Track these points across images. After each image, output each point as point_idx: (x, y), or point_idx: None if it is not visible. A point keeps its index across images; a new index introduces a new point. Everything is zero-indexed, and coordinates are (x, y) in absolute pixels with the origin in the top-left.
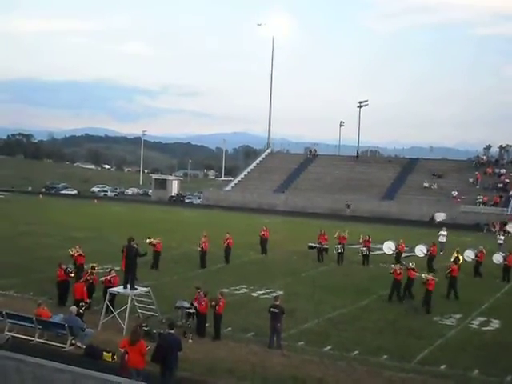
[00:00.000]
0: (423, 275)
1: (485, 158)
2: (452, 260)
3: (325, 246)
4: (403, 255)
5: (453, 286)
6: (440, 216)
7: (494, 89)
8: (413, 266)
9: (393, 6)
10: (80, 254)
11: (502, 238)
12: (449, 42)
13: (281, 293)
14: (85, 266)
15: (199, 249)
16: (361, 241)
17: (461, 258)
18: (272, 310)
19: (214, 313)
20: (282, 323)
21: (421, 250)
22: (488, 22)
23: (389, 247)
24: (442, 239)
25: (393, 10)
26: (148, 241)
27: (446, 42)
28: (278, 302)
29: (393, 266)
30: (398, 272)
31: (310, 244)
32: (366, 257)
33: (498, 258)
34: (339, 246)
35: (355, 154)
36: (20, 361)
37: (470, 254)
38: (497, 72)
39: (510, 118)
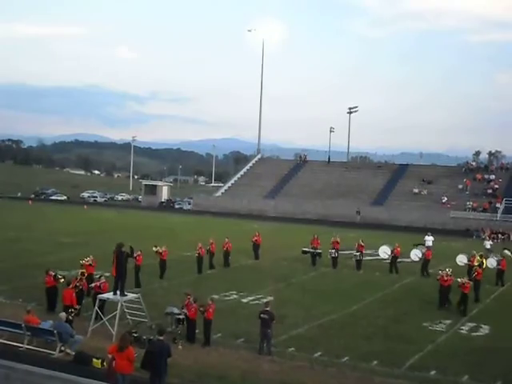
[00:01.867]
0: (459, 279)
1: (474, 164)
2: (477, 264)
3: (318, 251)
4: (398, 260)
5: (476, 289)
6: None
7: (484, 95)
8: (449, 272)
9: (384, 13)
10: (90, 264)
11: (490, 242)
12: (439, 48)
13: (271, 299)
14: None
15: (196, 254)
16: (356, 246)
17: (485, 262)
18: (262, 316)
19: (204, 319)
20: (272, 329)
21: (416, 255)
22: (478, 29)
23: (384, 252)
24: (429, 244)
25: (384, 16)
26: (154, 249)
27: (436, 48)
28: (268, 308)
29: (440, 272)
30: (445, 278)
31: (304, 249)
32: (359, 262)
33: (491, 262)
34: (333, 250)
35: (346, 160)
36: (9, 368)
37: (462, 259)
38: (487, 79)
39: (499, 124)
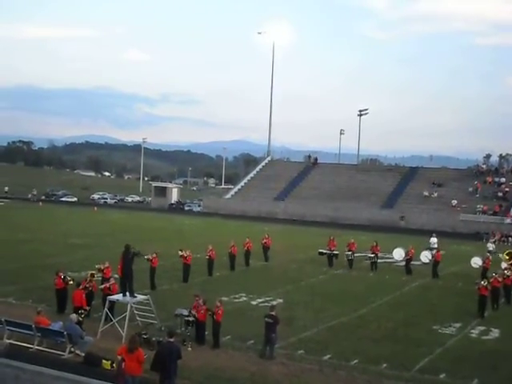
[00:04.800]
0: (482, 282)
1: (484, 166)
2: (510, 263)
3: (335, 252)
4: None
5: (509, 289)
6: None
7: (494, 98)
8: (485, 284)
9: (392, 16)
10: (107, 267)
11: (493, 245)
12: (448, 50)
13: (280, 301)
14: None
15: (207, 257)
16: (371, 248)
17: None
18: (266, 319)
19: (213, 321)
20: (277, 333)
21: (426, 256)
22: (486, 32)
23: (399, 254)
24: (434, 246)
25: (392, 19)
26: (180, 253)
27: (445, 50)
28: (273, 312)
29: (494, 274)
30: (499, 280)
31: (321, 250)
32: (373, 263)
33: (503, 264)
34: (349, 252)
35: (356, 163)
36: (19, 368)
37: (477, 261)
38: (497, 81)
39: (510, 127)
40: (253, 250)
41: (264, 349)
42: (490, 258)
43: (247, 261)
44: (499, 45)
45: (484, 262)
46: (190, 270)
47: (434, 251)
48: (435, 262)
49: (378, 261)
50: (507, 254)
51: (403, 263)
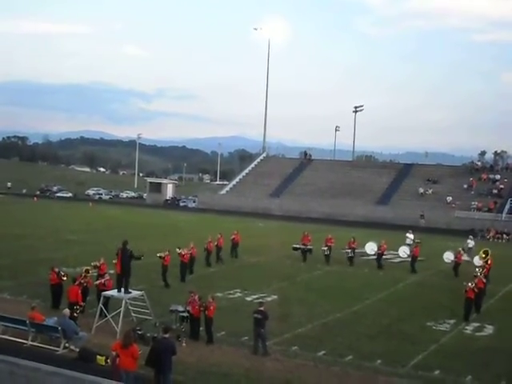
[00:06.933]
0: (469, 284)
1: (479, 163)
2: (484, 260)
3: (309, 247)
4: (385, 256)
5: (485, 284)
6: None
7: (489, 94)
8: (472, 287)
9: (388, 12)
10: (102, 263)
11: (472, 242)
12: (444, 47)
13: (275, 297)
14: (107, 275)
15: (189, 254)
16: (348, 244)
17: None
18: (255, 315)
19: (205, 317)
20: (266, 329)
21: (404, 252)
22: (483, 28)
23: (371, 248)
24: (409, 241)
25: (388, 15)
26: (178, 251)
27: (441, 47)
28: (261, 308)
29: (479, 274)
30: (484, 281)
31: (294, 246)
32: (350, 258)
33: (478, 260)
34: (325, 248)
35: (351, 159)
36: (13, 364)
37: (449, 256)
38: (493, 78)
39: (505, 124)
40: (248, 245)
41: (256, 345)
42: (462, 252)
43: (218, 257)
44: (496, 42)
45: (456, 257)
46: (187, 267)
47: (413, 246)
48: (413, 257)
49: (369, 257)
50: (483, 252)
51: (398, 259)
